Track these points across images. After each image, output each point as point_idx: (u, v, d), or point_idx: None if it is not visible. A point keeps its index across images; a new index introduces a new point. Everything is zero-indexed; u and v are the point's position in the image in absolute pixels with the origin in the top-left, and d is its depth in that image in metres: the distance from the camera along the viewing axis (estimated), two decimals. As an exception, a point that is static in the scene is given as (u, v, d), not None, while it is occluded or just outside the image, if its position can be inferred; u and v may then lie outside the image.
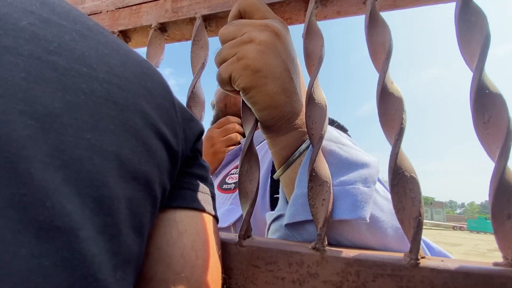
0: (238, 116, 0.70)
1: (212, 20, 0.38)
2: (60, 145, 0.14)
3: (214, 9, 0.37)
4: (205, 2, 0.37)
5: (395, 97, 0.26)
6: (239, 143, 0.68)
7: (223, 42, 0.31)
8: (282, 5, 0.34)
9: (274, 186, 0.51)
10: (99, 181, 0.15)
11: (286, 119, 0.31)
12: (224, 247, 0.27)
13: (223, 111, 0.71)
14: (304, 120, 0.31)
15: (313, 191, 0.27)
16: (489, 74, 0.25)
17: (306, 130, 0.31)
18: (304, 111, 0.31)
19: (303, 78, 0.37)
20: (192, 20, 0.38)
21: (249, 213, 0.27)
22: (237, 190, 0.56)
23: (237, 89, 0.30)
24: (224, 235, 0.28)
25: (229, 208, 0.53)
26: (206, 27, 0.38)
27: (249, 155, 0.30)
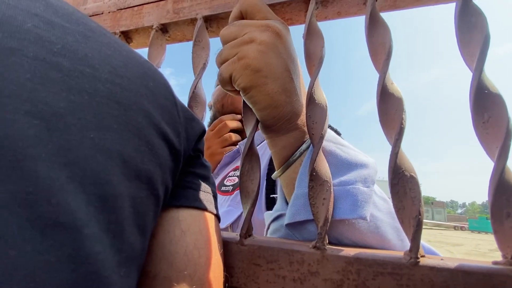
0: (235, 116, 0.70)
1: (213, 21, 0.38)
2: (65, 144, 0.14)
3: (215, 10, 0.37)
4: (206, 3, 0.38)
5: (395, 97, 0.27)
6: (234, 143, 0.69)
7: (224, 42, 0.31)
8: (283, 6, 0.35)
9: (270, 186, 0.51)
10: (103, 179, 0.15)
11: (286, 119, 0.31)
12: (225, 246, 0.27)
13: (220, 112, 0.72)
14: (304, 120, 0.32)
15: (314, 191, 0.27)
16: (489, 73, 0.25)
17: (306, 130, 0.32)
18: (304, 112, 0.32)
19: (303, 78, 0.37)
20: (193, 21, 0.38)
21: (250, 213, 0.28)
22: (235, 193, 0.57)
23: (237, 88, 0.30)
24: (225, 234, 0.28)
25: (227, 209, 0.53)
26: (207, 28, 0.38)
27: (250, 155, 0.30)
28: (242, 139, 0.70)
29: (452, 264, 0.21)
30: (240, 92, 0.30)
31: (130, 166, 0.17)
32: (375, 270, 0.23)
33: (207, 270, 0.22)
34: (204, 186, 0.25)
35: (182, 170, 0.23)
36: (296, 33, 0.36)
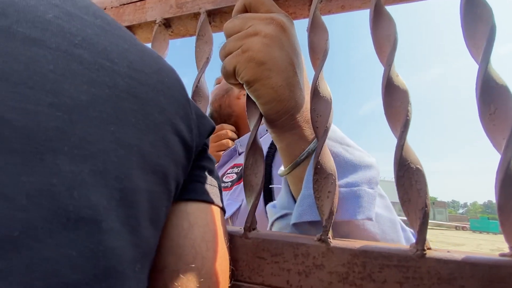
0: (231, 117, 0.72)
1: (216, 15, 0.38)
2: (87, 137, 0.14)
3: (218, 4, 0.37)
4: (209, -3, 0.37)
5: (400, 89, 0.26)
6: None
7: (228, 35, 0.31)
8: (287, -1, 0.35)
9: (267, 177, 0.51)
10: (123, 173, 0.16)
11: (290, 114, 0.31)
12: (229, 239, 0.27)
13: (217, 112, 0.73)
14: (308, 116, 0.32)
15: (318, 184, 0.27)
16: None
17: (311, 126, 0.31)
18: (308, 107, 0.32)
19: (307, 73, 0.37)
20: (196, 15, 0.38)
21: (255, 206, 0.28)
22: (233, 188, 0.57)
23: (241, 82, 0.30)
24: (229, 227, 0.28)
25: (226, 203, 0.54)
26: (210, 22, 0.38)
27: (254, 149, 0.30)
28: None
29: (459, 256, 0.21)
30: (244, 85, 0.30)
31: (148, 161, 0.17)
32: (381, 263, 0.22)
33: (214, 263, 0.22)
34: (211, 180, 0.25)
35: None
36: (299, 28, 0.35)
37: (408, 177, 0.24)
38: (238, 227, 0.28)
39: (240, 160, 0.63)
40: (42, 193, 0.12)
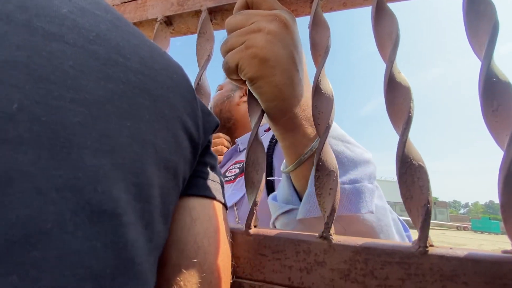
0: (230, 120, 0.75)
1: (218, 13, 0.38)
2: (107, 132, 0.15)
3: (219, 2, 0.37)
4: (211, -5, 0.37)
5: (402, 86, 0.26)
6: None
7: (231, 31, 0.31)
8: (288, -4, 0.34)
9: (267, 169, 0.53)
10: (139, 168, 0.16)
11: (292, 112, 0.31)
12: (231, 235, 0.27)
13: (218, 115, 0.76)
14: (309, 113, 0.32)
15: (320, 181, 0.27)
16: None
17: (312, 124, 0.32)
18: (309, 104, 0.32)
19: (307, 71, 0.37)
20: (197, 13, 0.38)
21: (256, 203, 0.27)
22: (237, 180, 0.58)
23: (243, 78, 0.30)
24: (231, 224, 0.28)
25: (231, 193, 0.56)
26: (211, 20, 0.38)
27: (255, 145, 0.30)
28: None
29: (461, 253, 0.21)
30: (247, 82, 0.30)
31: (160, 157, 0.17)
32: (383, 260, 0.22)
33: (216, 258, 0.22)
34: (213, 176, 0.25)
35: None
36: (301, 25, 0.35)
37: (411, 174, 0.24)
38: (239, 224, 0.28)
39: (242, 157, 0.64)
40: (68, 186, 0.13)
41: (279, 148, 0.53)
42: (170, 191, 0.19)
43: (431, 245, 0.22)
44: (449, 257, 0.21)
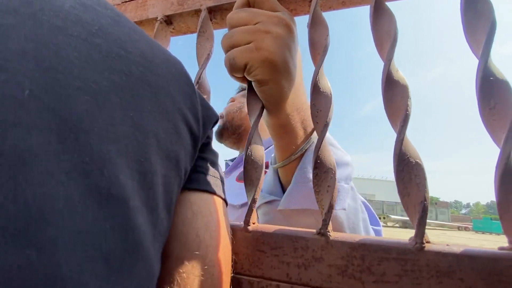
0: (240, 127, 0.79)
1: (217, 12, 0.38)
2: (111, 120, 0.15)
3: (219, 1, 0.37)
4: (211, -6, 0.38)
5: (400, 84, 0.26)
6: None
7: (233, 26, 0.30)
8: (288, -5, 0.35)
9: None
10: (142, 156, 0.16)
11: (292, 114, 0.33)
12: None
13: (230, 122, 0.80)
14: (303, 116, 0.34)
15: (318, 178, 0.27)
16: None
17: (305, 126, 0.35)
18: (303, 107, 0.35)
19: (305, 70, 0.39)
20: (197, 12, 0.39)
21: (254, 200, 0.28)
22: None
23: (251, 79, 0.30)
24: (230, 220, 0.28)
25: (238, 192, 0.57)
26: (211, 19, 0.38)
27: (254, 143, 0.30)
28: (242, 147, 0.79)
29: (457, 249, 0.21)
30: (253, 83, 0.31)
31: (162, 146, 0.18)
32: (380, 256, 0.23)
33: (218, 251, 0.22)
34: (213, 171, 0.25)
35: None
36: (299, 23, 0.36)
37: (408, 171, 0.24)
38: (238, 221, 0.29)
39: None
40: (77, 170, 0.13)
41: None
42: (172, 180, 0.19)
43: (428, 242, 0.22)
44: (446, 253, 0.21)
